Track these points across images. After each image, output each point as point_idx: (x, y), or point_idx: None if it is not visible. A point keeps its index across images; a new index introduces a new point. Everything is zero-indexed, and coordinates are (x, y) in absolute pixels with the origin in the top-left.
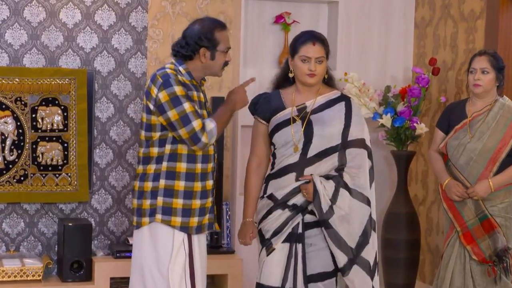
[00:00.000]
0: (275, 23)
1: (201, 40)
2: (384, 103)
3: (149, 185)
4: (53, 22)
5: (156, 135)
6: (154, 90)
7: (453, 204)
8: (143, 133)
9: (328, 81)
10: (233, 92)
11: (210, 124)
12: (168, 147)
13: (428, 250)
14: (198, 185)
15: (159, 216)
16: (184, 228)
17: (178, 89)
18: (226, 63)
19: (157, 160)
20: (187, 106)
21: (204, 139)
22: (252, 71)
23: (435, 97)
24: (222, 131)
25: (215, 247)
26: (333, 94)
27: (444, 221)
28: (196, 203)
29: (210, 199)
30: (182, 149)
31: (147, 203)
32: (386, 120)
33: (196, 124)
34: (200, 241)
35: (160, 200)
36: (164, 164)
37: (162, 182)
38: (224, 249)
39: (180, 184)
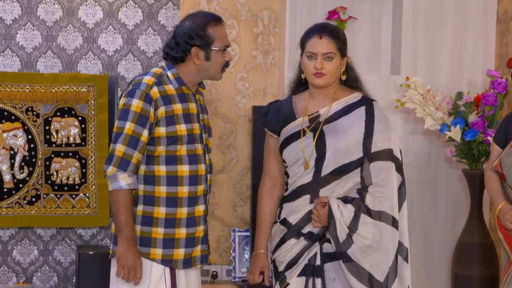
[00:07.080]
0: (328, 20)
1: (192, 39)
2: (454, 113)
3: None
4: (70, 21)
5: None
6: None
7: (509, 233)
8: None
9: (351, 83)
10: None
11: (125, 176)
12: (142, 168)
13: None
14: (182, 211)
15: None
16: (167, 261)
17: (136, 103)
18: (226, 64)
19: None
20: (128, 126)
21: (110, 169)
22: None
23: None
24: (115, 211)
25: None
26: (353, 97)
27: (502, 253)
28: (181, 232)
29: (201, 228)
30: (160, 170)
31: None
32: (455, 132)
33: (118, 148)
34: (189, 277)
35: (137, 228)
36: (141, 187)
37: (140, 208)
38: None
39: (161, 211)
